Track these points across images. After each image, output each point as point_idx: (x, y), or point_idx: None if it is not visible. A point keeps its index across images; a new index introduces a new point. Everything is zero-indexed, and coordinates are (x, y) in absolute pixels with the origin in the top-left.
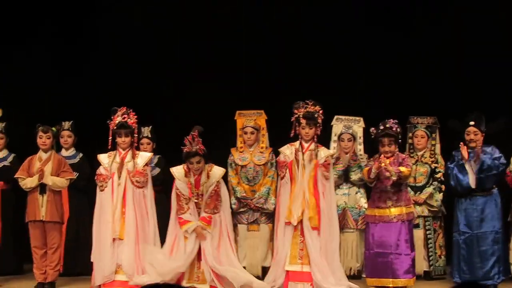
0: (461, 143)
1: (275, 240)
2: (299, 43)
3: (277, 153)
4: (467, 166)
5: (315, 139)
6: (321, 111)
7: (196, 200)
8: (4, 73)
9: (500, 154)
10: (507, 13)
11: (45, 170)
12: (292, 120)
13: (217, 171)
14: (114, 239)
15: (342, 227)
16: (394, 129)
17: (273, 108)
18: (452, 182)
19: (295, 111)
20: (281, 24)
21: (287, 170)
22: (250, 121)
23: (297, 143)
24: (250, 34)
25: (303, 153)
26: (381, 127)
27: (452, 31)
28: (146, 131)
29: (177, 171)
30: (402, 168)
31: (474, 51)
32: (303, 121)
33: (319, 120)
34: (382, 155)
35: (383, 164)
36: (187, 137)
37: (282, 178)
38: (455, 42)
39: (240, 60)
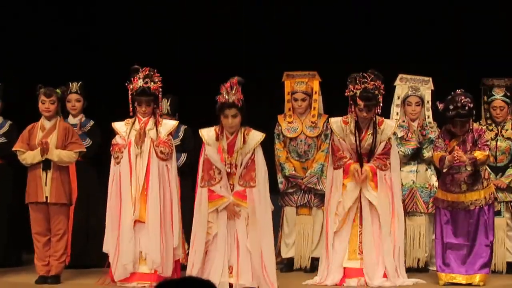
0: None
1: (325, 229)
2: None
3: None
4: None
5: (374, 119)
6: (382, 86)
7: (228, 170)
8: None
9: None
10: None
11: (49, 143)
12: (346, 95)
13: (255, 135)
14: (134, 222)
15: (409, 210)
16: (467, 108)
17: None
18: None
19: (351, 86)
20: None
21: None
22: (301, 85)
23: (352, 123)
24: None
25: (360, 140)
26: (451, 107)
27: None
28: (165, 103)
29: (207, 133)
30: (477, 153)
31: None
32: (360, 102)
33: (380, 99)
34: (457, 148)
35: (456, 155)
36: (224, 84)
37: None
38: None
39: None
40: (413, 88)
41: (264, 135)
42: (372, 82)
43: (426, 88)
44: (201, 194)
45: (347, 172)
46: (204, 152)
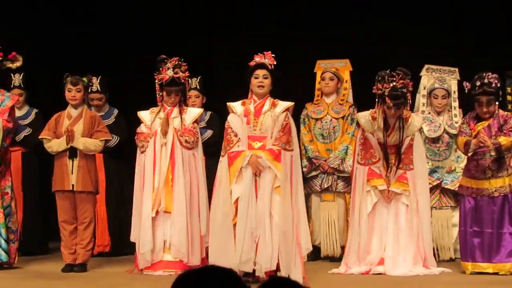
0: None
1: (351, 215)
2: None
3: (359, 109)
4: None
5: (402, 116)
6: (410, 84)
7: (252, 133)
8: (23, 15)
9: None
10: None
11: (75, 131)
12: (374, 91)
13: (285, 103)
14: (157, 212)
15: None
16: (493, 85)
17: None
18: None
19: (379, 85)
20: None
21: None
22: (332, 68)
23: (379, 118)
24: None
25: (387, 136)
26: (478, 83)
27: None
28: (194, 82)
29: (234, 103)
30: (502, 139)
31: None
32: (388, 101)
33: (409, 97)
34: (481, 130)
35: (481, 138)
36: (258, 53)
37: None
38: None
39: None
40: (439, 79)
41: (293, 103)
42: (400, 81)
43: (452, 78)
44: (220, 165)
45: (371, 175)
46: (227, 121)
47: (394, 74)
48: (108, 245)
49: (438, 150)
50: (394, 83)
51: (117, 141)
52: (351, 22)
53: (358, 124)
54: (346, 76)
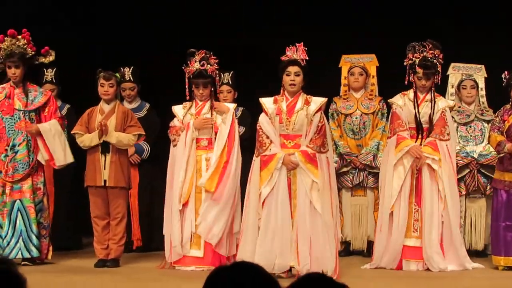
0: None
1: (381, 205)
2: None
3: (388, 103)
4: None
5: (433, 89)
6: (441, 55)
7: (285, 132)
8: (52, 11)
9: None
10: None
11: (108, 125)
12: (405, 64)
13: (318, 99)
14: (186, 203)
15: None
16: None
17: None
18: None
19: (410, 55)
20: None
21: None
22: (360, 64)
23: (410, 93)
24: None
25: (418, 105)
26: None
27: None
28: (226, 77)
29: (266, 99)
30: None
31: None
32: (419, 70)
33: (439, 68)
34: None
35: None
36: (290, 46)
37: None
38: None
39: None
40: (466, 74)
41: (326, 99)
42: (431, 51)
43: (479, 76)
44: (253, 165)
45: (399, 141)
46: (258, 122)
47: (426, 44)
48: (140, 240)
49: (470, 136)
50: (425, 53)
51: (148, 153)
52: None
53: (387, 118)
54: (373, 71)
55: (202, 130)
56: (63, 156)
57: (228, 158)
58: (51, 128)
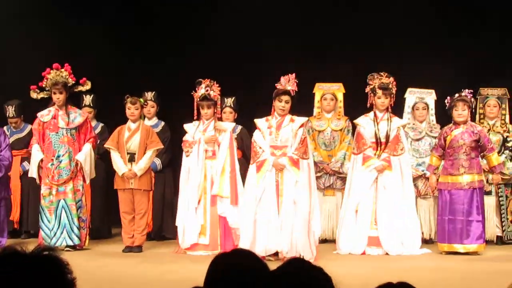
0: None
1: (346, 206)
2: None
3: (353, 122)
4: None
5: (389, 109)
6: (394, 82)
7: (274, 143)
8: (87, 45)
9: None
10: None
11: (133, 173)
12: (367, 91)
13: (301, 118)
14: (199, 201)
15: (425, 193)
16: (469, 97)
17: None
18: None
19: (370, 82)
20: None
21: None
22: (330, 91)
23: (371, 113)
24: None
25: (377, 124)
26: (456, 95)
27: None
28: (229, 101)
29: (259, 119)
30: (491, 159)
31: None
32: (378, 91)
33: (393, 91)
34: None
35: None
36: (284, 76)
37: (356, 154)
38: None
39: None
40: (419, 97)
41: (308, 118)
42: (387, 78)
43: (430, 98)
44: (250, 171)
45: (366, 160)
46: (253, 138)
47: (381, 73)
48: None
49: (422, 150)
50: (382, 80)
51: (161, 167)
52: (323, 55)
53: (352, 133)
54: (340, 96)
55: (209, 144)
56: (89, 176)
57: (234, 167)
58: (85, 154)
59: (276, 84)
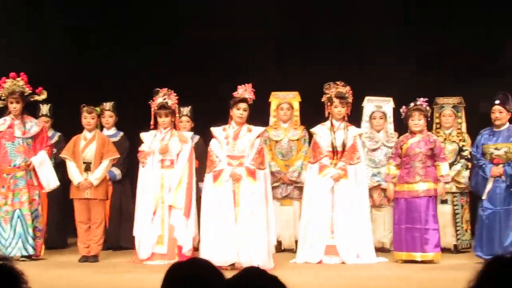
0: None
1: (304, 215)
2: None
3: (309, 131)
4: (489, 182)
5: (345, 118)
6: (351, 91)
7: (231, 153)
8: (44, 54)
9: None
10: None
11: (89, 183)
12: (323, 100)
13: (259, 128)
14: (155, 211)
15: (380, 203)
16: (424, 105)
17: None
18: (473, 182)
19: (327, 91)
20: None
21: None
22: (286, 100)
23: (328, 122)
24: None
25: (334, 132)
26: (412, 104)
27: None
28: (186, 110)
29: (216, 128)
30: (440, 168)
31: None
32: (335, 100)
33: (350, 100)
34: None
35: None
36: (242, 85)
37: (313, 163)
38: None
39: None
40: (377, 106)
41: (265, 128)
42: (343, 87)
43: (388, 106)
44: (206, 181)
45: (322, 168)
46: (209, 147)
47: (338, 82)
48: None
49: (377, 160)
50: (339, 89)
51: (121, 176)
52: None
53: (309, 143)
54: (296, 105)
55: (164, 154)
56: (47, 183)
57: (191, 180)
58: (40, 160)
59: (233, 93)
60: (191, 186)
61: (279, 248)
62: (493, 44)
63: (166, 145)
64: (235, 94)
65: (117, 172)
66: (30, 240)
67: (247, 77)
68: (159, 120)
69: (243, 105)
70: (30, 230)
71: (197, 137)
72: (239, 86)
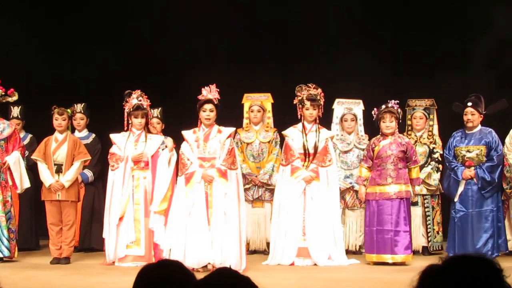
0: (465, 170)
1: (276, 217)
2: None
3: (281, 133)
4: (461, 184)
5: (317, 120)
6: (322, 94)
7: (202, 155)
8: (16, 55)
9: (498, 142)
10: None
11: (60, 185)
12: (295, 102)
13: (229, 129)
14: (121, 218)
15: (352, 205)
16: (395, 108)
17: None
18: (445, 184)
19: (298, 93)
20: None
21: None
22: (258, 102)
23: (300, 125)
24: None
25: (306, 135)
26: (383, 106)
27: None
28: (156, 112)
29: (187, 131)
30: (412, 172)
31: None
32: (306, 103)
33: (321, 102)
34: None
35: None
36: (205, 87)
37: (285, 166)
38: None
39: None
40: (347, 108)
41: (235, 128)
42: (315, 89)
43: (358, 108)
44: (178, 183)
45: (294, 171)
46: (180, 150)
47: (309, 84)
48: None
49: (349, 162)
50: (310, 91)
51: (93, 178)
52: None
53: (280, 145)
54: (269, 107)
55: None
56: (20, 183)
57: (173, 187)
58: (14, 160)
59: (198, 96)
60: (172, 194)
61: (247, 249)
62: (466, 43)
63: (140, 154)
64: (200, 97)
65: (89, 174)
66: (6, 242)
67: (218, 77)
68: (135, 121)
69: (209, 106)
70: (5, 232)
71: (169, 140)
72: (203, 88)
